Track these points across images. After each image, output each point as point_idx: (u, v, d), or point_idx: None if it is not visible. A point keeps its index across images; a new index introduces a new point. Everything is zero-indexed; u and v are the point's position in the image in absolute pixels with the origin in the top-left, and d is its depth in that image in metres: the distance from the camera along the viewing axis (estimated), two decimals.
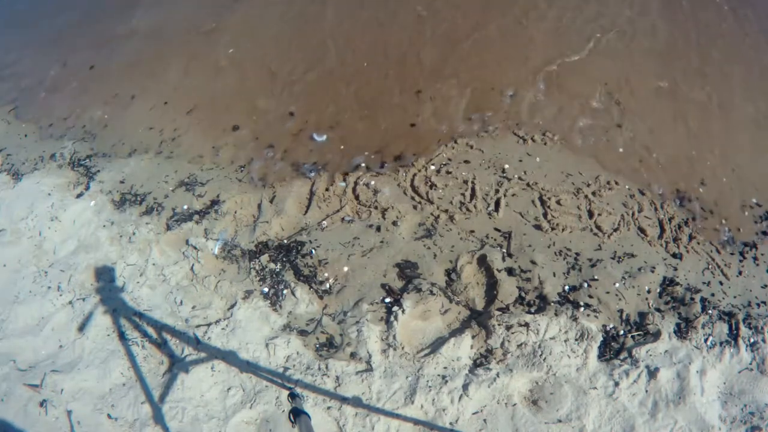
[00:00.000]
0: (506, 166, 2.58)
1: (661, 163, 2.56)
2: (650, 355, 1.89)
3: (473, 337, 2.00)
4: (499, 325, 1.98)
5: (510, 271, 2.17)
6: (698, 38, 3.29)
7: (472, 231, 2.34)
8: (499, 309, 2.05)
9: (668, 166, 2.54)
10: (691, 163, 2.56)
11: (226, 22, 4.04)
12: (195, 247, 2.46)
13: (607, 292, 2.07)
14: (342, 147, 2.85)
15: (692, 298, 2.03)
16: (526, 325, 1.97)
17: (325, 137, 2.83)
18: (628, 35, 3.31)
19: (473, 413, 1.82)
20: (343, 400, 1.87)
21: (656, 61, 3.13)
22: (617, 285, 2.09)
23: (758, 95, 2.92)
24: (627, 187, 2.46)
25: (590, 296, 2.06)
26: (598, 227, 2.31)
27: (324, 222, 2.47)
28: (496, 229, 2.33)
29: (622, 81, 3.00)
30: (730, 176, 2.50)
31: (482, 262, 2.22)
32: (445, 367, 1.92)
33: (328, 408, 1.87)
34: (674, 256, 2.19)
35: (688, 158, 2.58)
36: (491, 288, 2.15)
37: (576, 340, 1.94)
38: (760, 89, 2.96)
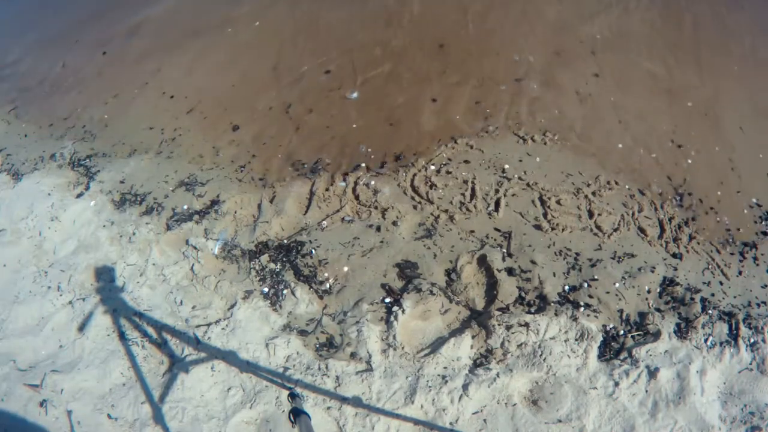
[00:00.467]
0: (506, 166, 2.58)
1: (661, 162, 2.56)
2: (650, 355, 1.89)
3: (473, 337, 2.00)
4: (499, 325, 1.98)
5: (510, 271, 2.17)
6: (696, 32, 3.29)
7: (472, 231, 2.34)
8: (499, 309, 2.05)
9: (668, 166, 2.54)
10: (692, 161, 2.56)
11: (235, 14, 4.05)
12: (195, 247, 2.46)
13: (607, 292, 2.07)
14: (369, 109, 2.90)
15: (692, 298, 2.03)
16: (526, 325, 1.97)
17: (356, 94, 2.82)
18: (626, 31, 3.32)
19: (473, 413, 1.82)
20: (343, 400, 1.87)
21: (655, 56, 3.13)
22: (617, 285, 2.09)
23: (755, 89, 2.92)
24: (627, 187, 2.46)
25: (590, 296, 2.06)
26: (598, 227, 2.31)
27: (324, 222, 2.47)
28: (496, 229, 2.33)
29: (623, 79, 3.00)
30: (731, 175, 2.50)
31: (482, 262, 2.22)
32: (445, 367, 1.92)
33: (328, 408, 1.87)
34: (674, 256, 2.19)
35: (688, 157, 2.58)
36: (491, 288, 2.15)
37: (576, 340, 1.94)
38: (759, 83, 2.96)
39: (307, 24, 3.82)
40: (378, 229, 2.40)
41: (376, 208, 2.49)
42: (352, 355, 1.99)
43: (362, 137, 2.88)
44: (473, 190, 2.49)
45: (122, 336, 2.21)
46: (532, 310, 2.05)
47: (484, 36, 3.36)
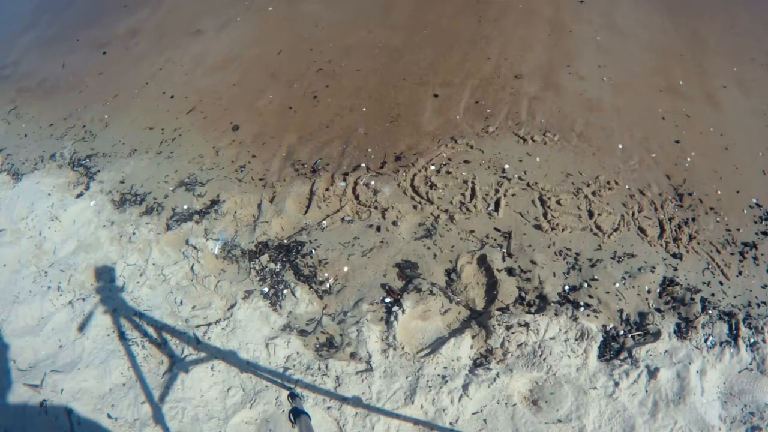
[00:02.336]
0: (506, 166, 2.58)
1: (661, 162, 2.56)
2: (650, 355, 1.89)
3: (473, 337, 2.00)
4: (499, 325, 1.98)
5: (510, 271, 2.17)
6: (698, 32, 3.29)
7: (472, 231, 2.34)
8: (499, 309, 2.05)
9: (668, 165, 2.54)
10: (691, 161, 2.56)
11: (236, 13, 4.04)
12: (195, 247, 2.46)
13: (607, 292, 2.07)
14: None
15: (692, 298, 2.03)
16: (526, 325, 1.97)
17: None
18: (626, 33, 3.32)
19: (473, 413, 1.82)
20: (343, 400, 1.87)
21: (655, 59, 3.13)
22: (617, 285, 2.09)
23: (756, 89, 2.92)
24: (627, 187, 2.46)
25: (590, 296, 2.06)
26: (598, 227, 2.31)
27: (324, 222, 2.47)
28: (496, 229, 2.33)
29: (623, 79, 3.00)
30: (731, 175, 2.50)
31: (482, 262, 2.22)
32: (445, 367, 1.92)
33: (328, 408, 1.87)
34: (674, 256, 2.19)
35: (688, 157, 2.58)
36: (491, 288, 2.15)
37: (576, 340, 1.94)
38: (759, 83, 2.96)
39: (306, 24, 3.82)
40: (378, 229, 2.40)
41: (376, 208, 2.49)
42: (352, 355, 1.98)
43: (363, 137, 2.88)
44: (473, 190, 2.49)
45: (122, 336, 2.21)
46: (532, 310, 2.05)
47: (486, 35, 3.37)
